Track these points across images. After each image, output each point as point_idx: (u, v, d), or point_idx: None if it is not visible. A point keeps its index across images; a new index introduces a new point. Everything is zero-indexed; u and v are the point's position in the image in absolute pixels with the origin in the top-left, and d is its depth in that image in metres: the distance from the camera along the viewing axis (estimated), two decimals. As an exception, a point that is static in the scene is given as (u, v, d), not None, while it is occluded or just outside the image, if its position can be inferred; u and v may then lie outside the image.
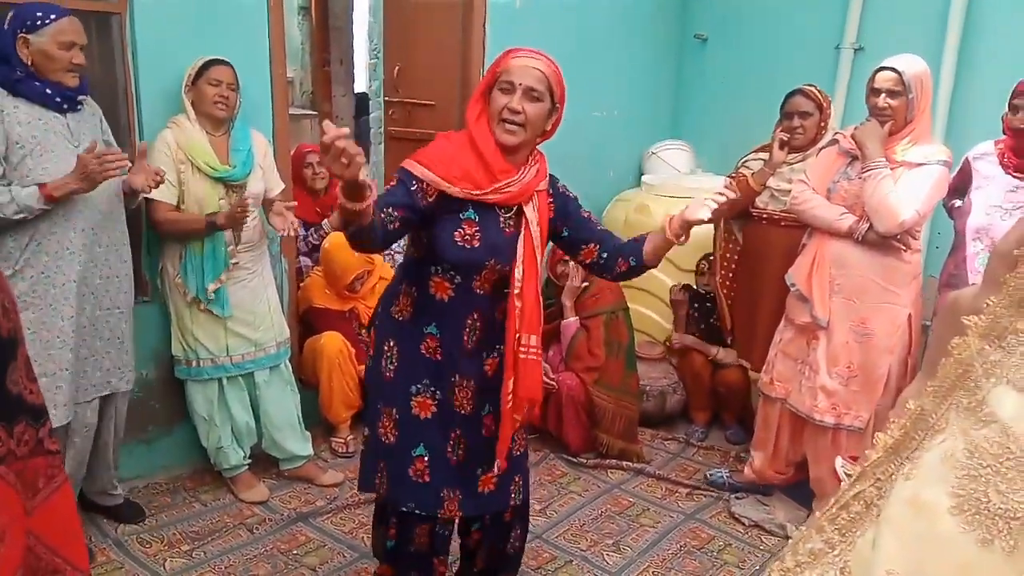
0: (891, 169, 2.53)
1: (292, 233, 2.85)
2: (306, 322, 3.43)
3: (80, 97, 2.36)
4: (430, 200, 1.83)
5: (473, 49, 3.81)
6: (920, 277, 2.76)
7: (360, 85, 7.68)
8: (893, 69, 2.53)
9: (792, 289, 2.75)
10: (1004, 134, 2.82)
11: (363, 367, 3.33)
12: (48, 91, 2.26)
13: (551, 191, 2.01)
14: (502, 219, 1.92)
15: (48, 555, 1.66)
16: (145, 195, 2.52)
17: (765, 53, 4.17)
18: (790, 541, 1.10)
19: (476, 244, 1.88)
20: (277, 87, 3.06)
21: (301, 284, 3.51)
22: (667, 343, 3.73)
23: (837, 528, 0.99)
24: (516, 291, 1.91)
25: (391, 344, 2.01)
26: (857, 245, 2.59)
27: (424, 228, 1.88)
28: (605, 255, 2.05)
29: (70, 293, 2.33)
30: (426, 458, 2.01)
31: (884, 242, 2.56)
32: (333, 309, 3.43)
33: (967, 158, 2.95)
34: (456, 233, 1.87)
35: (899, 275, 2.62)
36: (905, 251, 2.60)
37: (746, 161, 3.25)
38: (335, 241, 3.34)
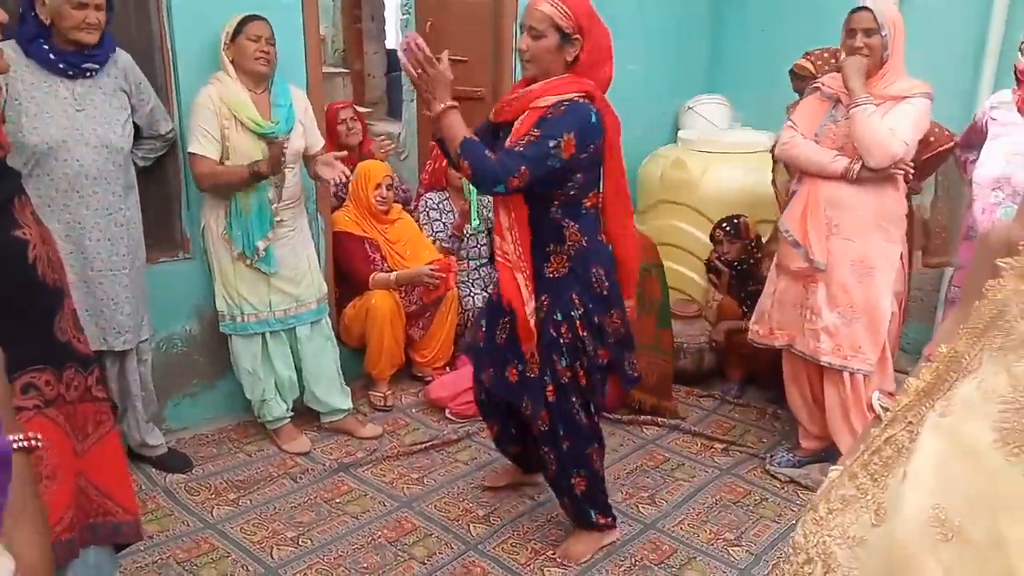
0: (876, 105, 2.54)
1: (343, 179, 2.87)
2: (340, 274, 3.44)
3: (87, 64, 2.35)
4: None
5: (506, 3, 3.76)
6: (906, 217, 2.77)
7: (391, 42, 7.63)
8: (866, 8, 2.57)
9: (786, 236, 2.75)
10: (1017, 80, 2.75)
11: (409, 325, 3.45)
12: (52, 57, 2.30)
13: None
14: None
15: (100, 498, 1.72)
16: (191, 151, 2.62)
17: (807, 3, 4.05)
18: (821, 488, 1.09)
19: None
20: (310, 44, 3.06)
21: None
22: (712, 339, 3.65)
23: (869, 474, 0.99)
24: None
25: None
26: (851, 184, 2.61)
27: None
28: None
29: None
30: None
31: (878, 178, 2.58)
32: (355, 234, 3.41)
33: (982, 110, 2.91)
34: None
35: (891, 212, 2.65)
36: (904, 176, 2.62)
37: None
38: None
